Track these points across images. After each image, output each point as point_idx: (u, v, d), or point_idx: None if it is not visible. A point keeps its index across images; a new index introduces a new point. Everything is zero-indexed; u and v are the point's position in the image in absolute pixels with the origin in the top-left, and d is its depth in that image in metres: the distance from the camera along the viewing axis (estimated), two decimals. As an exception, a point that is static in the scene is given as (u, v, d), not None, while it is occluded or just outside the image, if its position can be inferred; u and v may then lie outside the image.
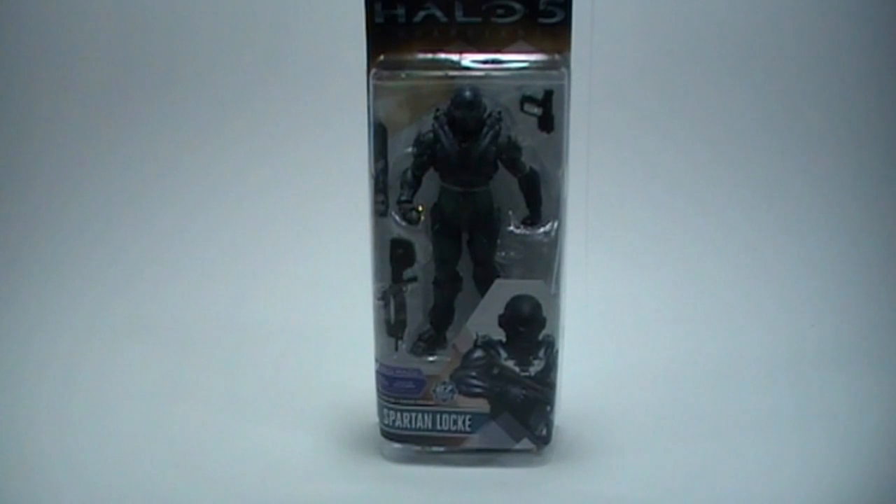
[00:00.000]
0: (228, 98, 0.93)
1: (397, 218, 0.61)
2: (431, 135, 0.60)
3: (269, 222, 0.90)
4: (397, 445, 0.65)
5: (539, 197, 0.61)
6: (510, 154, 0.60)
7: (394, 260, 0.62)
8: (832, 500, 0.54)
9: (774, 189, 0.89)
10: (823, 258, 0.85)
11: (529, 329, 0.62)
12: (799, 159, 0.89)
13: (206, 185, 0.91)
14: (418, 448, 0.65)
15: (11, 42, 0.92)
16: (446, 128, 0.60)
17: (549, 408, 0.64)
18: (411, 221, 0.61)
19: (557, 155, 0.60)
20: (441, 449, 0.65)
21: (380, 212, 0.62)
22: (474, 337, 0.62)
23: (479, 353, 0.62)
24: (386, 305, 0.63)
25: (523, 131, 0.60)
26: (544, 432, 0.64)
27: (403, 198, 0.61)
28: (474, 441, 0.64)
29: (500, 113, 0.60)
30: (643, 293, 0.82)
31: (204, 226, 0.90)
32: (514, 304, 0.61)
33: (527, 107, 0.59)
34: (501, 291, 0.61)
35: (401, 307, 0.63)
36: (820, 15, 0.88)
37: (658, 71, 0.90)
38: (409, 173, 0.61)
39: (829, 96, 0.89)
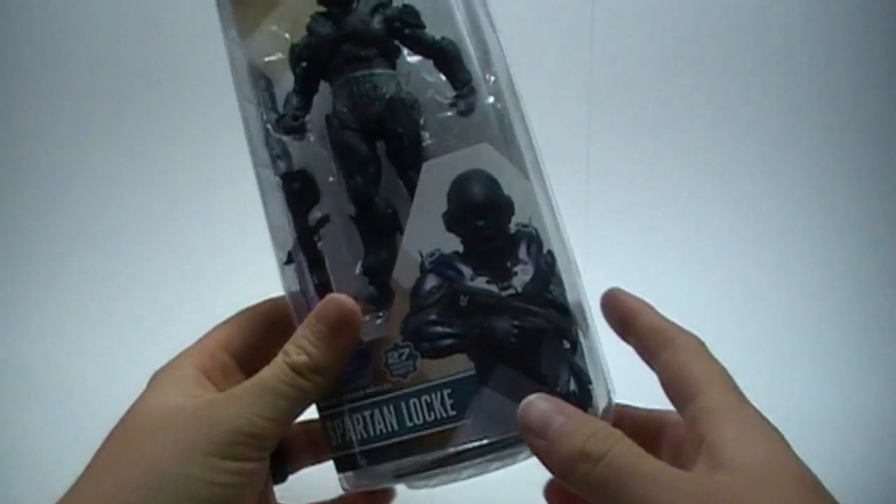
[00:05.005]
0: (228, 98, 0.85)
1: (282, 137, 0.45)
2: (306, 32, 0.46)
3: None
4: (361, 473, 0.42)
5: (462, 68, 0.44)
6: (406, 22, 0.45)
7: (291, 199, 0.44)
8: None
9: (775, 188, 0.83)
10: (825, 258, 0.81)
11: (491, 219, 0.41)
12: (800, 159, 0.83)
13: (208, 185, 0.85)
14: (399, 470, 0.41)
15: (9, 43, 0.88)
16: (319, 15, 0.46)
17: (565, 342, 0.40)
18: (293, 130, 0.45)
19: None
20: (424, 458, 0.41)
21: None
22: (418, 259, 0.41)
23: (432, 282, 0.41)
24: (298, 269, 0.44)
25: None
26: (572, 386, 0.40)
27: (285, 111, 0.45)
28: (468, 431, 0.40)
29: None
30: (643, 293, 0.72)
31: (205, 225, 0.84)
32: (459, 188, 0.42)
33: None
34: (436, 177, 0.42)
35: (318, 265, 0.44)
36: (821, 13, 0.84)
37: (658, 71, 0.83)
38: (292, 94, 0.46)
39: (830, 94, 0.84)
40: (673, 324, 0.43)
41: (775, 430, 0.38)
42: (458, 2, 0.45)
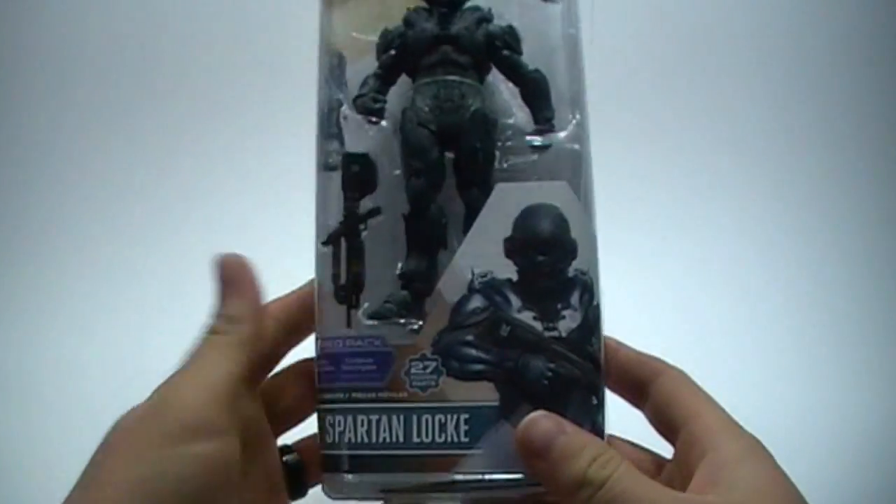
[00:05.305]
0: (228, 98, 0.85)
1: (355, 116, 0.43)
2: (402, 23, 0.44)
3: (276, 221, 0.78)
4: (349, 478, 0.39)
5: (549, 104, 0.44)
6: (507, 43, 0.44)
7: (347, 181, 0.43)
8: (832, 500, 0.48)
9: (776, 189, 0.83)
10: (829, 259, 0.81)
11: (553, 258, 0.40)
12: (800, 162, 0.84)
13: (219, 183, 0.84)
14: (389, 484, 0.39)
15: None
16: (421, 9, 0.45)
17: (594, 398, 0.39)
18: (370, 112, 0.43)
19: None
20: (423, 478, 0.39)
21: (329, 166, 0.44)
22: (468, 276, 0.40)
23: (476, 303, 0.40)
24: (335, 254, 0.42)
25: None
26: (590, 443, 0.39)
27: (363, 91, 0.44)
28: (477, 462, 0.39)
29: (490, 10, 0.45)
30: (643, 294, 0.76)
31: (217, 224, 0.82)
32: (528, 218, 0.41)
33: None
34: (506, 201, 0.41)
35: (356, 255, 0.42)
36: (823, 15, 0.85)
37: (658, 72, 0.84)
38: (372, 77, 0.44)
39: (832, 96, 0.84)
40: (654, 356, 0.44)
41: (768, 451, 0.39)
42: (561, 38, 0.45)
